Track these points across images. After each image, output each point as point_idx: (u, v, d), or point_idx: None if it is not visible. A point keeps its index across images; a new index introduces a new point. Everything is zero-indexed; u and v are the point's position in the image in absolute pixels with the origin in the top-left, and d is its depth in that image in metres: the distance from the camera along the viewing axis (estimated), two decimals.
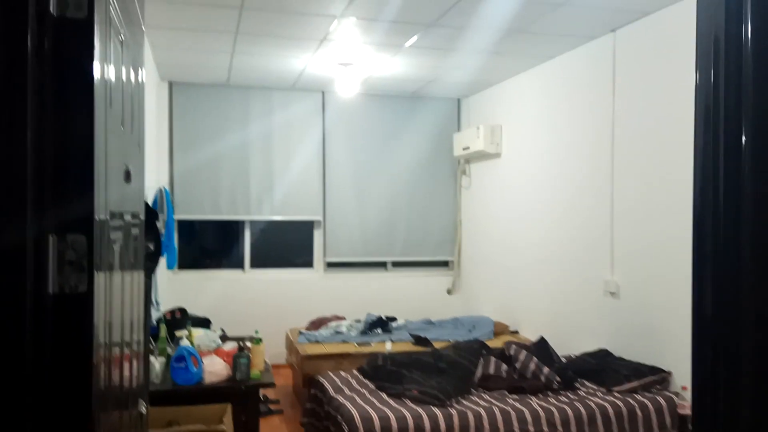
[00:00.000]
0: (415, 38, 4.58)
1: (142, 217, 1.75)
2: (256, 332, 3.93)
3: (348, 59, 5.19)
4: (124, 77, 1.33)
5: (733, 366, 0.98)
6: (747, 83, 0.97)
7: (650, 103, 4.02)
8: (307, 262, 6.59)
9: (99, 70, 0.98)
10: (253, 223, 6.46)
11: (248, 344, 3.80)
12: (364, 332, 5.31)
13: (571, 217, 4.85)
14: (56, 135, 0.89)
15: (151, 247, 2.09)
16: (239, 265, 6.46)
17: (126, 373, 1.39)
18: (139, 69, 1.75)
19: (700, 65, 1.05)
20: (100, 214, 0.96)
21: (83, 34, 0.92)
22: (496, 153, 5.96)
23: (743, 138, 0.97)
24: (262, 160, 6.34)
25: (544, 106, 5.27)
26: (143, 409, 1.69)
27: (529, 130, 5.48)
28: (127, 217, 1.37)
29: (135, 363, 1.60)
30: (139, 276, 1.66)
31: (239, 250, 6.46)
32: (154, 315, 3.27)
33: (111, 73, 1.13)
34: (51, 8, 0.88)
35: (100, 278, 0.96)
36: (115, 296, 1.16)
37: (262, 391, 4.74)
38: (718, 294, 1.02)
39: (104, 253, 1.01)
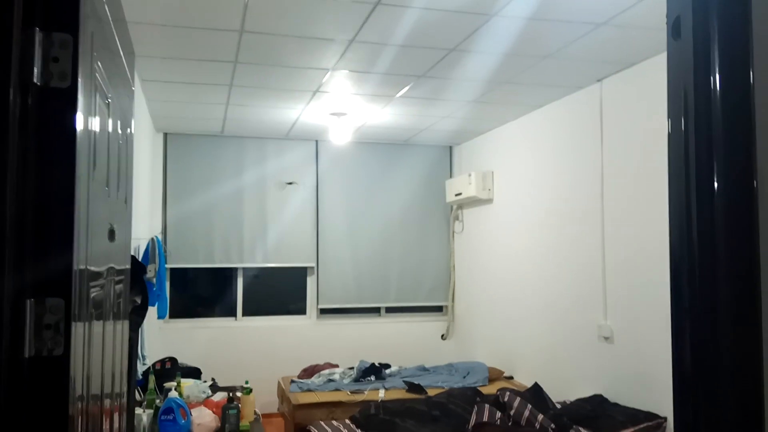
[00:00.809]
0: (405, 89, 4.68)
1: (128, 271, 1.77)
2: (246, 382, 3.89)
3: (340, 109, 5.28)
4: (110, 136, 1.37)
5: (713, 409, 0.99)
6: (717, 133, 1.00)
7: (638, 150, 4.09)
8: (300, 309, 6.57)
9: (82, 135, 1.01)
10: (245, 270, 6.46)
11: (238, 394, 3.76)
12: (357, 380, 5.26)
13: (564, 261, 4.87)
14: (36, 200, 0.92)
15: (138, 300, 2.10)
16: (231, 312, 6.43)
17: (106, 428, 1.38)
18: (128, 125, 1.80)
19: (672, 116, 1.08)
20: (79, 277, 0.98)
21: (66, 102, 0.96)
22: (488, 199, 6.02)
23: (715, 185, 1.00)
24: (255, 208, 6.38)
25: (534, 153, 5.35)
26: None
27: (521, 177, 5.55)
28: (111, 275, 1.39)
29: (117, 417, 1.59)
30: (123, 329, 1.67)
31: (231, 297, 6.44)
32: (141, 368, 3.25)
33: (95, 136, 1.16)
34: (35, 79, 0.92)
35: (78, 339, 0.97)
36: (95, 354, 1.17)
37: None
38: (695, 348, 1.04)
39: (83, 313, 1.02)
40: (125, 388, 1.79)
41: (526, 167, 5.45)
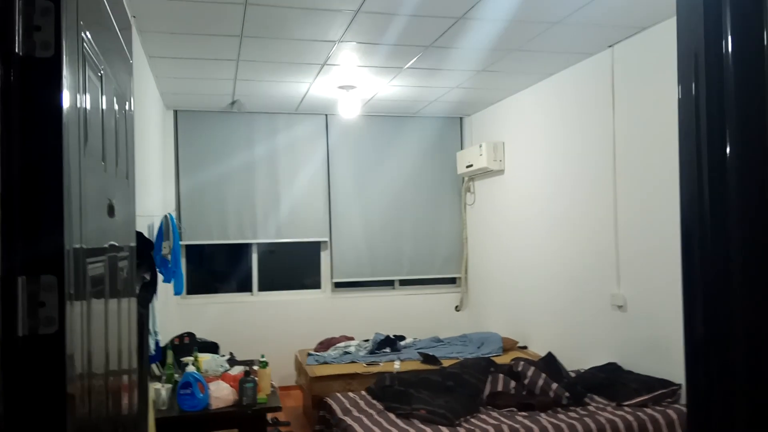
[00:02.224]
0: (414, 60, 4.61)
1: (133, 248, 1.76)
2: (262, 356, 3.93)
3: (349, 82, 5.23)
4: (105, 111, 1.35)
5: (725, 378, 0.97)
6: (728, 97, 0.96)
7: (650, 115, 4.00)
8: (315, 283, 6.60)
9: (70, 106, 0.99)
10: (260, 245, 6.49)
11: (255, 368, 3.80)
12: (372, 352, 5.29)
13: (576, 231, 4.83)
14: (24, 176, 0.90)
15: (147, 277, 2.11)
16: (247, 288, 6.47)
17: (114, 406, 1.39)
18: (127, 100, 1.78)
19: (682, 81, 1.05)
20: (74, 253, 0.97)
21: (51, 72, 0.93)
22: (500, 170, 5.96)
23: (727, 150, 0.97)
24: (267, 183, 6.38)
25: (545, 122, 5.27)
26: None
27: (532, 147, 5.48)
28: (113, 251, 1.38)
29: (127, 394, 1.60)
30: (130, 306, 1.67)
31: (247, 273, 6.48)
32: (152, 344, 3.29)
33: (87, 108, 1.14)
34: (17, 48, 0.90)
35: (74, 317, 0.97)
36: (96, 331, 1.16)
37: (271, 414, 4.73)
38: (707, 314, 1.02)
39: (80, 291, 1.02)
40: (135, 365, 1.80)
41: (537, 137, 5.38)
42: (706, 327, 1.02)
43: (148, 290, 2.19)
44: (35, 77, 0.92)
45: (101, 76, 1.30)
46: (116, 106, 1.56)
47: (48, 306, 0.89)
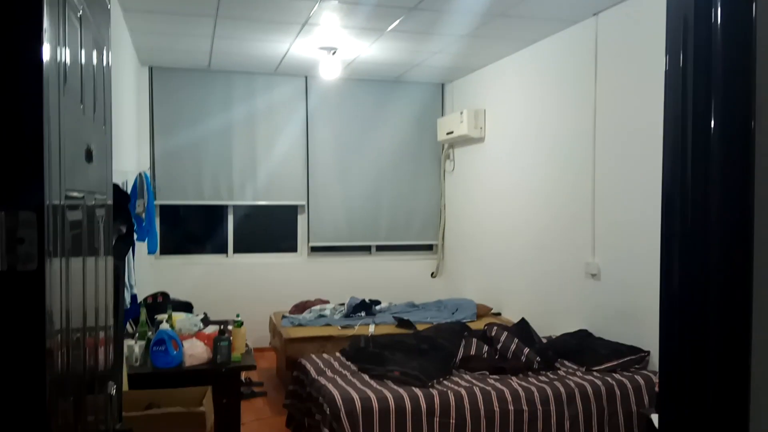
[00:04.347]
0: (396, 22, 4.55)
1: (110, 199, 1.73)
2: (237, 316, 3.93)
3: (330, 43, 5.15)
4: (83, 55, 1.31)
5: (699, 347, 0.98)
6: (716, 70, 0.96)
7: (632, 86, 4.02)
8: (291, 247, 6.59)
9: (50, 44, 0.96)
10: (236, 207, 6.44)
11: (230, 327, 3.80)
12: (347, 315, 5.33)
13: (553, 200, 4.88)
14: (3, 110, 0.87)
15: (123, 229, 2.08)
16: (223, 249, 6.44)
17: (91, 356, 1.38)
18: (104, 49, 1.73)
19: (669, 52, 1.04)
20: (53, 192, 0.95)
21: (30, 9, 0.90)
22: (480, 137, 5.96)
23: (712, 121, 0.97)
24: (245, 145, 6.31)
25: (526, 91, 5.27)
26: (112, 391, 1.68)
27: (513, 115, 5.48)
28: (90, 198, 1.35)
29: (102, 347, 1.59)
30: (107, 259, 1.65)
31: (223, 234, 6.44)
32: (128, 297, 3.26)
33: (66, 49, 1.10)
34: None
35: (53, 257, 0.95)
36: (75, 277, 1.15)
37: (245, 374, 4.76)
38: (684, 273, 1.03)
39: (59, 232, 1.00)
40: (112, 319, 1.78)
41: (519, 105, 5.38)
42: (682, 290, 1.04)
43: (125, 243, 2.17)
44: (15, 12, 0.88)
45: (80, 18, 1.26)
46: (95, 53, 1.52)
47: (27, 243, 0.87)
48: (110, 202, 1.76)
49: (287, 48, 5.32)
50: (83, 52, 1.32)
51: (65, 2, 1.12)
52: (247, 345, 3.82)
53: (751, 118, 0.92)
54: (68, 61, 1.12)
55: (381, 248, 6.78)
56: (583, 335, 4.24)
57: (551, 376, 3.76)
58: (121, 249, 2.11)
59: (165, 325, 3.56)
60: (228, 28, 4.75)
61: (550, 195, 4.91)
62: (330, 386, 3.48)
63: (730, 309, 0.95)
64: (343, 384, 3.53)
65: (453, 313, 5.44)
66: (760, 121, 0.91)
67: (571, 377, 3.70)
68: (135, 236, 2.72)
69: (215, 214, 6.47)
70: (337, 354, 4.21)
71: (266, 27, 4.73)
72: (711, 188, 0.96)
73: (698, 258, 0.99)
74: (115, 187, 1.98)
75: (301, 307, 5.58)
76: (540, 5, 4.15)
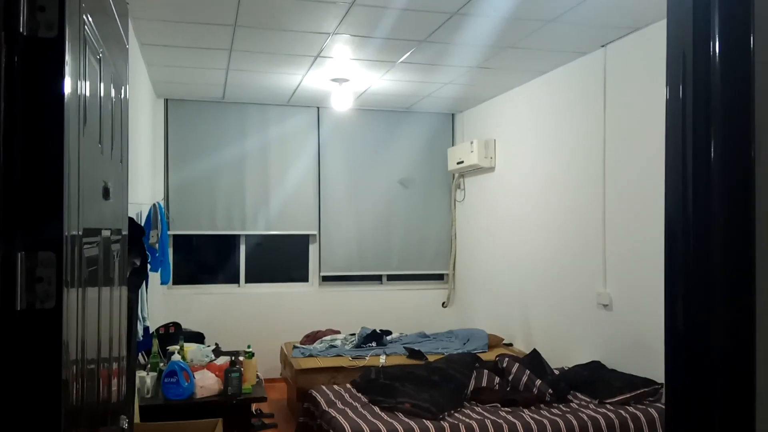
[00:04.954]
0: (407, 54, 4.62)
1: (125, 233, 1.77)
2: (248, 347, 3.93)
3: (342, 75, 5.23)
4: (102, 95, 1.36)
5: (704, 377, 0.98)
6: (715, 99, 0.98)
7: (641, 116, 4.04)
8: (303, 277, 6.61)
9: (71, 88, 1.00)
10: (248, 237, 6.49)
11: (240, 358, 3.81)
12: (358, 346, 5.31)
13: (564, 230, 4.87)
14: (26, 153, 0.91)
15: (137, 262, 2.11)
16: (235, 279, 6.47)
17: (104, 388, 1.40)
18: (122, 86, 1.78)
19: (670, 82, 1.07)
20: (71, 231, 0.98)
21: (54, 53, 0.94)
22: (490, 167, 5.99)
23: (712, 152, 0.99)
24: (257, 175, 6.38)
25: (536, 121, 5.30)
26: (125, 425, 1.69)
27: (523, 145, 5.51)
28: (106, 234, 1.39)
29: (116, 379, 1.61)
30: (121, 290, 1.68)
31: (235, 264, 6.48)
32: (141, 329, 3.29)
33: (86, 91, 1.15)
34: (21, 28, 0.91)
35: (71, 294, 0.97)
36: (90, 312, 1.17)
37: (255, 405, 4.74)
38: (688, 307, 1.03)
39: (77, 269, 1.02)
40: (125, 351, 1.80)
41: (529, 135, 5.41)
42: (686, 325, 1.04)
43: (138, 275, 2.20)
44: (39, 56, 0.92)
45: (100, 60, 1.31)
46: (113, 91, 1.57)
47: (45, 281, 0.90)
48: (125, 234, 1.79)
49: (300, 80, 5.41)
50: (102, 91, 1.37)
51: (86, 45, 1.16)
52: (258, 376, 3.82)
53: (750, 149, 0.93)
54: (89, 101, 1.16)
55: (392, 278, 6.77)
56: (595, 366, 4.19)
57: (564, 408, 3.71)
58: (135, 282, 2.14)
59: (176, 357, 3.58)
60: (242, 60, 4.85)
61: (561, 225, 4.91)
62: (340, 418, 3.46)
63: (734, 345, 0.95)
64: (354, 416, 3.51)
65: (464, 344, 5.41)
66: (760, 153, 0.92)
67: (584, 410, 3.66)
68: (149, 268, 2.76)
69: (227, 243, 6.52)
70: (348, 385, 4.19)
71: (279, 59, 4.82)
72: (713, 221, 0.98)
73: (701, 293, 0.99)
74: (130, 220, 2.02)
75: (312, 338, 5.57)
76: (548, 37, 4.20)
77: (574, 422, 3.50)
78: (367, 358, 5.00)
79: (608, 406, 3.70)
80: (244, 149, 6.35)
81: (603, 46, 4.40)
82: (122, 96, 1.77)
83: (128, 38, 1.95)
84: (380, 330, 5.63)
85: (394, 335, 5.72)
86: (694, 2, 1.00)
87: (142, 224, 4.34)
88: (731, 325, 0.97)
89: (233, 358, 3.81)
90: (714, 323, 0.98)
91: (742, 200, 0.95)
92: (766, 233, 0.92)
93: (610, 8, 3.65)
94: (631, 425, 3.53)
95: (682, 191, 1.05)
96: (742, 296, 0.95)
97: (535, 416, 3.56)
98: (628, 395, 3.73)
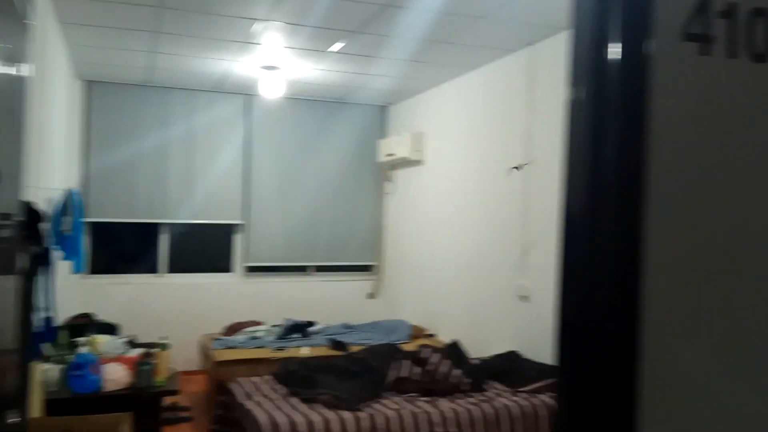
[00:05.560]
0: (340, 44, 4.59)
1: (19, 218, 1.68)
2: (162, 338, 3.83)
3: (272, 63, 5.15)
4: None
5: (592, 364, 1.02)
6: (610, 101, 1.01)
7: (562, 114, 4.16)
8: (227, 267, 6.48)
9: None
10: (172, 226, 6.30)
11: (155, 351, 3.70)
12: (281, 337, 5.27)
13: (487, 223, 4.98)
14: None
15: (34, 249, 2.01)
16: (155, 269, 6.28)
17: None
18: (19, 64, 1.68)
19: (571, 83, 1.10)
20: None
21: None
22: (420, 160, 6.05)
23: (606, 149, 1.02)
24: (182, 162, 6.20)
25: (465, 116, 5.39)
26: (14, 419, 1.61)
27: (452, 139, 5.59)
28: None
29: (1, 372, 1.53)
30: (10, 279, 1.59)
31: (156, 254, 6.28)
32: (43, 321, 3.13)
33: None
34: None
35: None
36: None
37: (171, 399, 4.62)
38: (578, 294, 1.07)
39: None
40: (18, 344, 1.72)
41: (457, 129, 5.49)
42: (577, 314, 1.07)
43: (37, 263, 2.09)
44: None
45: None
46: (7, 69, 1.48)
47: None
48: (18, 221, 1.70)
49: (229, 66, 5.29)
50: None
51: None
52: (172, 368, 3.72)
53: (642, 146, 0.97)
54: None
55: (319, 269, 6.75)
56: (512, 357, 4.31)
57: (480, 397, 3.81)
58: (31, 270, 2.04)
59: (84, 348, 3.44)
60: (169, 44, 4.70)
61: (485, 218, 5.02)
62: (256, 411, 3.42)
63: (619, 331, 0.99)
64: (271, 408, 3.48)
65: (388, 335, 5.46)
66: (651, 150, 0.96)
67: (498, 398, 3.76)
68: (51, 257, 2.62)
69: (149, 232, 6.31)
70: (267, 377, 4.15)
71: (208, 44, 4.69)
72: (604, 214, 1.01)
73: (590, 282, 1.03)
74: (27, 205, 1.92)
75: (233, 329, 5.48)
76: (478, 34, 4.27)
77: (489, 410, 3.59)
78: (289, 349, 4.97)
79: (522, 394, 3.82)
80: (169, 135, 6.16)
81: (529, 44, 4.51)
82: (18, 74, 1.68)
83: (30, 14, 1.84)
84: (304, 321, 5.60)
85: (319, 326, 5.70)
86: (595, 8, 1.03)
87: (54, 211, 4.14)
88: (617, 311, 1.01)
89: (147, 350, 3.70)
90: (601, 309, 1.02)
91: (634, 195, 0.99)
92: (653, 226, 0.96)
93: (538, 8, 3.74)
94: (542, 412, 3.66)
95: (578, 185, 1.08)
96: (629, 284, 0.99)
97: (452, 405, 3.63)
98: (540, 384, 3.86)
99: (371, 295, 6.83)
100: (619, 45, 1.00)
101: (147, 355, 3.56)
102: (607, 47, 1.02)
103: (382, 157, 6.49)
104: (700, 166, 0.84)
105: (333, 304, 6.54)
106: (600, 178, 1.02)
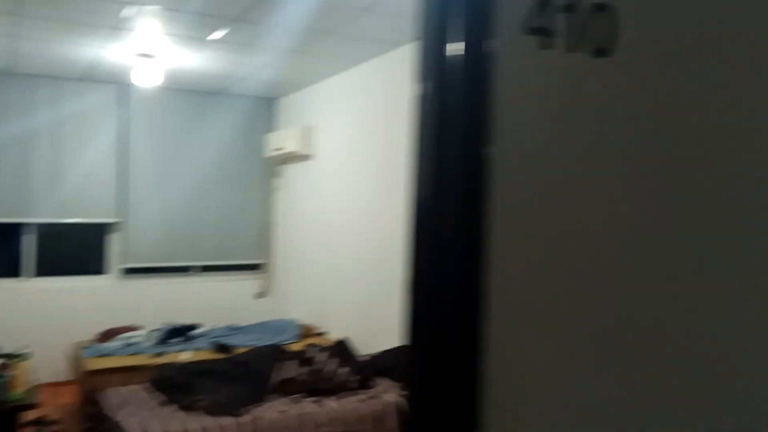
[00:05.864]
0: (221, 33, 4.38)
1: None
2: (22, 348, 3.47)
3: (148, 50, 4.83)
4: None
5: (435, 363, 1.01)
6: (453, 97, 1.03)
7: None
8: (100, 269, 6.03)
9: None
10: (38, 226, 5.78)
11: (12, 361, 3.35)
12: (160, 342, 4.96)
13: (375, 218, 4.95)
14: None
15: None
16: (17, 273, 5.72)
17: None
18: None
19: (418, 78, 1.10)
20: None
21: None
22: (310, 155, 5.92)
23: (450, 142, 1.03)
24: (48, 156, 5.70)
25: (354, 110, 5.33)
26: None
27: (341, 133, 5.52)
28: None
29: None
30: None
31: (18, 256, 5.73)
32: None
33: None
34: None
35: None
36: None
37: (39, 413, 4.23)
38: (424, 284, 1.06)
39: None
40: None
41: (347, 124, 5.43)
42: (424, 306, 1.08)
43: None
44: None
45: None
46: None
47: None
48: None
49: (100, 53, 4.91)
50: None
51: None
52: (33, 380, 3.38)
53: (486, 139, 0.97)
54: None
55: (204, 269, 6.44)
56: (399, 352, 4.30)
57: (367, 394, 3.75)
58: None
59: None
60: (31, 28, 4.29)
61: (372, 213, 4.98)
62: (127, 422, 3.17)
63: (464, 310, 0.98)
64: (145, 417, 3.25)
65: (276, 335, 5.30)
66: (496, 143, 0.96)
67: (385, 395, 3.73)
68: None
69: (9, 233, 5.74)
70: (141, 386, 3.88)
71: (74, 29, 4.32)
72: (449, 204, 1.01)
73: (434, 269, 1.03)
74: None
75: (108, 335, 5.10)
76: (364, 26, 4.21)
77: (376, 407, 3.55)
78: (167, 355, 4.68)
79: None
80: (32, 126, 5.65)
81: (417, 39, 4.50)
82: None
83: None
84: (186, 324, 5.31)
85: (203, 329, 5.43)
86: (440, 8, 1.02)
87: None
88: (462, 302, 1.01)
89: (4, 361, 3.34)
90: (446, 301, 1.02)
91: (477, 188, 0.99)
92: (497, 219, 0.97)
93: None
94: None
95: (424, 179, 1.09)
96: (473, 274, 0.99)
97: (339, 403, 3.55)
98: None
99: (260, 295, 6.62)
100: (463, 40, 1.01)
101: (3, 366, 3.21)
102: (449, 42, 1.03)
103: (271, 152, 6.30)
104: (542, 159, 0.85)
105: (219, 305, 6.27)
106: (444, 173, 1.03)
